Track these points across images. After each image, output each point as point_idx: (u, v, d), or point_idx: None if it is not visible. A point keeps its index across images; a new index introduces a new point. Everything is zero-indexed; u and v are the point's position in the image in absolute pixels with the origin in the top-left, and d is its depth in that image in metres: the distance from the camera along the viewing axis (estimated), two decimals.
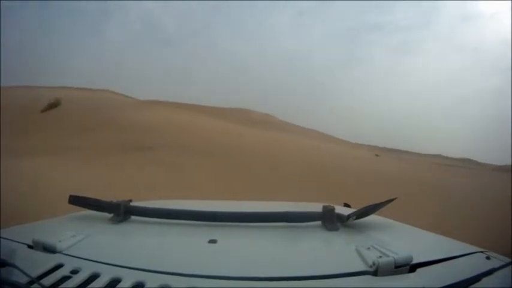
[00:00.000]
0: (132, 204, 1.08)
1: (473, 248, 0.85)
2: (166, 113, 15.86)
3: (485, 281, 0.66)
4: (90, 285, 0.65)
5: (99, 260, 0.73)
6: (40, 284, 0.62)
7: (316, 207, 1.02)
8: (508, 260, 0.76)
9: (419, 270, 0.71)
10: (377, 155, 17.43)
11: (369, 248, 0.77)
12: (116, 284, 0.65)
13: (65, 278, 0.67)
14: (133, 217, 1.04)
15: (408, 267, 0.70)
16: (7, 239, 0.86)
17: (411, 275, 0.69)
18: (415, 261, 0.71)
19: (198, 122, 15.35)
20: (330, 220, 0.97)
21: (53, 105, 15.38)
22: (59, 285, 0.65)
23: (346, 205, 1.43)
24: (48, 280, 0.66)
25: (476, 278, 0.66)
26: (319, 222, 0.98)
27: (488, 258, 0.79)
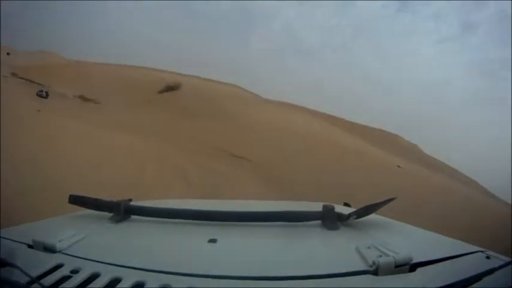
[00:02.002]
0: (132, 203, 1.08)
1: (474, 248, 0.84)
2: (290, 116, 13.25)
3: (485, 280, 0.66)
4: (90, 285, 0.65)
5: (99, 260, 0.73)
6: (40, 284, 0.62)
7: (316, 206, 1.01)
8: (508, 259, 0.75)
9: (419, 269, 0.70)
10: None
11: (369, 248, 0.77)
12: (116, 284, 0.65)
13: (65, 278, 0.67)
14: (133, 216, 1.03)
15: (408, 266, 0.70)
16: (7, 238, 0.87)
17: (411, 274, 0.69)
18: (415, 260, 0.71)
19: (331, 135, 11.73)
20: (330, 219, 0.96)
21: (171, 88, 15.15)
22: (59, 285, 0.65)
23: (346, 204, 1.42)
24: (48, 280, 0.66)
25: (477, 278, 0.66)
26: (319, 222, 0.98)
27: (488, 257, 0.78)
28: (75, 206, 1.09)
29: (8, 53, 15.97)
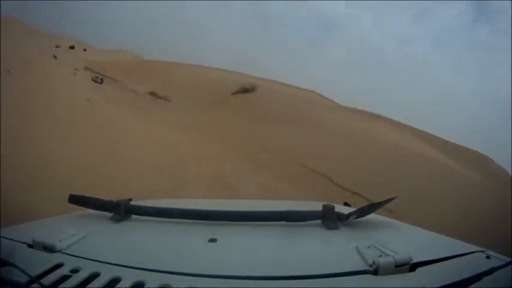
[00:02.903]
0: (132, 203, 1.08)
1: (473, 248, 0.83)
2: (370, 127, 11.34)
3: (485, 280, 0.66)
4: (90, 285, 0.65)
5: (99, 259, 0.74)
6: (40, 284, 0.63)
7: (316, 206, 1.00)
8: (508, 259, 0.75)
9: (419, 269, 0.70)
10: None
11: (369, 247, 0.76)
12: (116, 284, 0.66)
13: (65, 277, 0.68)
14: (133, 216, 1.04)
15: (408, 266, 0.69)
16: (7, 238, 0.87)
17: (411, 274, 0.69)
18: (415, 260, 0.70)
19: (441, 160, 9.26)
20: (330, 219, 0.96)
21: (246, 90, 14.58)
22: (59, 284, 0.66)
23: (346, 204, 1.41)
24: (48, 279, 0.66)
25: (477, 277, 0.66)
26: (319, 221, 0.97)
27: (488, 257, 0.77)
28: (74, 206, 1.09)
29: (84, 49, 17.61)
